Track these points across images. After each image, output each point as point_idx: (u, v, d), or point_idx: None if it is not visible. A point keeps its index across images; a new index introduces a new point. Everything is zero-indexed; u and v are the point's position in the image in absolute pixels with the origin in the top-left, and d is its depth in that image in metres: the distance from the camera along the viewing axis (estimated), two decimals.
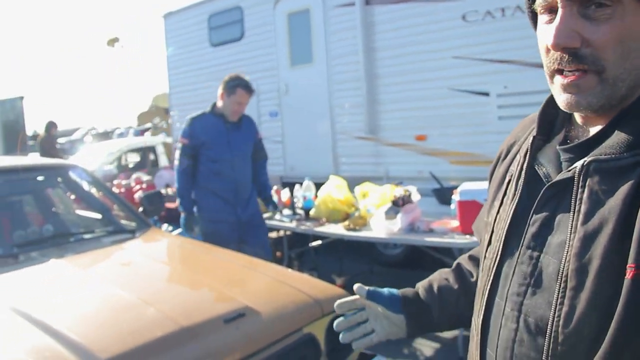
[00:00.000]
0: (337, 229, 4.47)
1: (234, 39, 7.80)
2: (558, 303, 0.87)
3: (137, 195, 6.93)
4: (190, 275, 2.93)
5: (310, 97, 6.97)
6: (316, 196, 4.93)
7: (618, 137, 0.87)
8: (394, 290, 1.33)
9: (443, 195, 4.86)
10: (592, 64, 0.86)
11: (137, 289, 2.68)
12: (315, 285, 2.84)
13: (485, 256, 1.09)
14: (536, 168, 1.00)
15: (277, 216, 5.03)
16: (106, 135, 22.82)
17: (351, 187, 4.92)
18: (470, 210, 3.73)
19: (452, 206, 4.08)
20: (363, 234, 4.28)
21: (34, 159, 4.61)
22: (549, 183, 0.94)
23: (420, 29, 5.76)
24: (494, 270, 1.02)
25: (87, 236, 3.72)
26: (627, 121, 0.88)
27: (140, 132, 19.46)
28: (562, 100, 0.92)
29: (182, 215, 4.41)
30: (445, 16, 5.58)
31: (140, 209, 4.33)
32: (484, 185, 3.88)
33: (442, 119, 5.75)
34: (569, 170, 0.91)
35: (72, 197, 4.43)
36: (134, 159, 12.17)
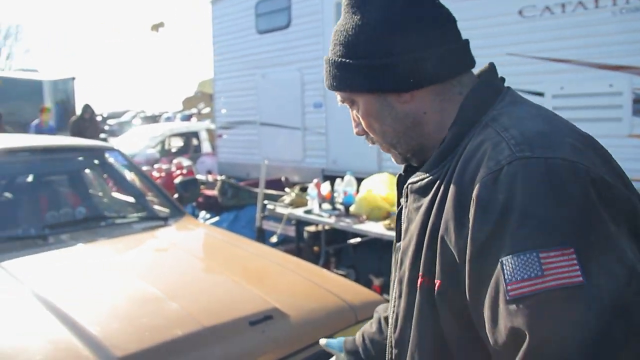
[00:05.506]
0: (377, 228, 4.27)
1: (280, 27, 7.65)
2: (392, 312, 1.03)
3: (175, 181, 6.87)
4: (219, 270, 2.79)
5: None
6: (357, 192, 4.75)
7: (426, 164, 1.00)
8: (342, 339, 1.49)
9: None
10: (377, 142, 1.08)
11: (162, 282, 2.56)
12: (351, 289, 2.67)
13: None
14: (401, 202, 1.09)
15: (316, 210, 4.86)
16: (154, 119, 22.98)
17: None
18: None
19: None
20: None
21: (73, 139, 4.56)
22: (395, 214, 1.12)
23: (473, 23, 5.46)
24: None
25: (118, 221, 3.65)
26: (434, 154, 0.99)
27: (188, 118, 19.57)
28: None
29: None
30: (500, 10, 5.29)
31: (176, 196, 4.24)
32: None
33: None
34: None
35: (108, 180, 4.36)
36: (177, 143, 12.19)
